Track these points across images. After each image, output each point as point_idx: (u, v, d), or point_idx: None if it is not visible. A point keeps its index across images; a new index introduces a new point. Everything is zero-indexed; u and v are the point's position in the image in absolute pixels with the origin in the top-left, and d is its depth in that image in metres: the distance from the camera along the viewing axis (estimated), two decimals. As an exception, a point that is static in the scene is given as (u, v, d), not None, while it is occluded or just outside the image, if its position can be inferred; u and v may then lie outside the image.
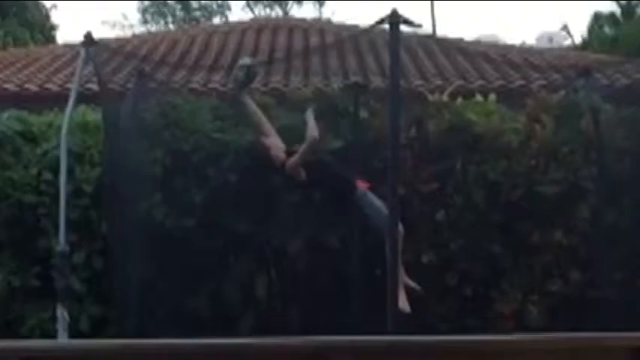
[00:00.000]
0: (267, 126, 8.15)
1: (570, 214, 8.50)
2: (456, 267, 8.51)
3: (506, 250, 8.49)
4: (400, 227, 7.36)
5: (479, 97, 9.16)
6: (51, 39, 29.06)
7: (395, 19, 7.05)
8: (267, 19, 19.62)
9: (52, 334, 7.36)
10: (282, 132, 8.32)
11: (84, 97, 8.49)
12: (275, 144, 7.99)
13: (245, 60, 8.30)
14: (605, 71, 12.48)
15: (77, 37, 8.49)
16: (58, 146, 7.77)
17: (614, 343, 2.77)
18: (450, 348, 2.78)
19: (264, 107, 8.67)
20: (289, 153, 7.86)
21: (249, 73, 8.19)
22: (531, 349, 2.76)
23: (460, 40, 18.09)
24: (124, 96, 8.75)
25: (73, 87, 7.72)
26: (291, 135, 8.37)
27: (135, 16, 49.70)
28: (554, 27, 34.58)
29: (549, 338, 2.92)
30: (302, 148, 7.75)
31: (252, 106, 8.18)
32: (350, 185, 7.81)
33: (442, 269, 8.50)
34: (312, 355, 2.68)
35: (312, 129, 7.73)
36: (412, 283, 7.64)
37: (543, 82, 13.20)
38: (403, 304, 7.30)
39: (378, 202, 7.70)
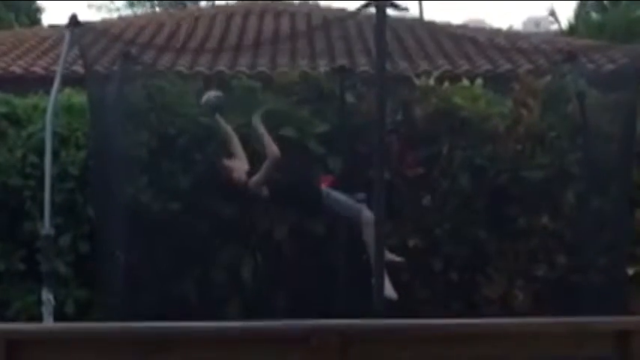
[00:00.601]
0: (237, 147, 8.08)
1: (556, 199, 8.53)
2: (441, 251, 8.53)
3: (491, 234, 8.51)
4: (369, 214, 7.40)
5: (465, 82, 9.16)
6: (36, 22, 28.87)
7: (382, 2, 7.01)
8: (254, 2, 19.49)
9: (38, 318, 7.34)
10: (268, 116, 8.30)
11: (69, 80, 8.43)
12: (237, 166, 7.94)
13: (210, 95, 8.19)
14: (591, 56, 12.50)
15: (63, 20, 8.43)
16: (43, 129, 7.72)
17: (599, 327, 2.77)
18: (436, 331, 2.78)
19: (250, 91, 8.64)
20: (252, 174, 7.85)
21: (217, 104, 8.12)
22: (517, 333, 2.76)
23: (447, 25, 18.07)
24: (110, 79, 8.70)
25: (58, 69, 7.66)
26: (277, 119, 8.37)
27: (121, -1, 49.40)
28: (541, 12, 34.63)
29: (535, 322, 2.92)
30: (264, 166, 7.73)
31: (224, 127, 8.09)
32: (313, 189, 7.82)
33: (428, 254, 8.52)
34: (298, 339, 2.68)
35: (271, 145, 7.71)
36: (396, 258, 7.64)
37: (530, 66, 13.20)
38: (389, 292, 7.29)
39: (342, 197, 7.75)
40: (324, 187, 7.83)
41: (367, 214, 7.52)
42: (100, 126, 8.16)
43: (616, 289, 7.81)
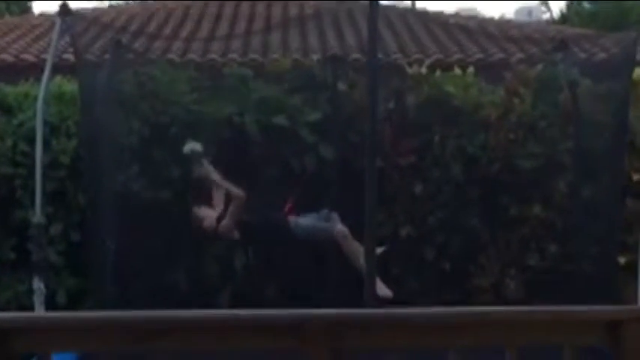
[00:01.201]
0: (218, 192, 7.96)
1: (548, 188, 8.53)
2: (434, 241, 8.53)
3: (484, 223, 8.51)
4: (341, 227, 7.45)
5: (457, 71, 9.15)
6: (27, 10, 28.74)
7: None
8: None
9: (29, 307, 7.32)
10: (260, 104, 8.28)
11: (60, 68, 8.41)
12: (207, 214, 7.89)
13: (192, 145, 8.07)
14: (583, 45, 12.49)
15: (53, 8, 8.39)
16: (34, 117, 7.69)
17: (590, 316, 2.77)
18: (427, 320, 2.77)
19: (242, 79, 8.62)
20: (221, 218, 7.83)
21: (200, 152, 8.00)
22: (507, 322, 2.75)
23: (439, 13, 18.05)
24: (101, 67, 8.67)
25: (49, 57, 7.63)
26: (269, 107, 8.35)
27: (112, -13, 49.16)
28: (533, 1, 34.57)
29: (525, 311, 2.92)
30: (229, 211, 7.72)
31: (210, 172, 7.92)
32: (281, 225, 7.82)
33: (420, 243, 8.52)
34: (288, 328, 2.67)
35: (232, 189, 7.70)
36: (388, 292, 7.60)
37: (522, 55, 13.18)
38: (383, 291, 7.28)
39: (309, 222, 7.79)
40: (291, 218, 7.82)
41: (340, 228, 7.60)
42: (91, 114, 8.12)
43: (607, 278, 7.83)
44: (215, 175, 7.79)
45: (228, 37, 14.47)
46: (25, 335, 2.73)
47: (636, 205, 8.41)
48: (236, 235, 7.88)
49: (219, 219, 7.79)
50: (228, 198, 7.76)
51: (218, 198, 7.90)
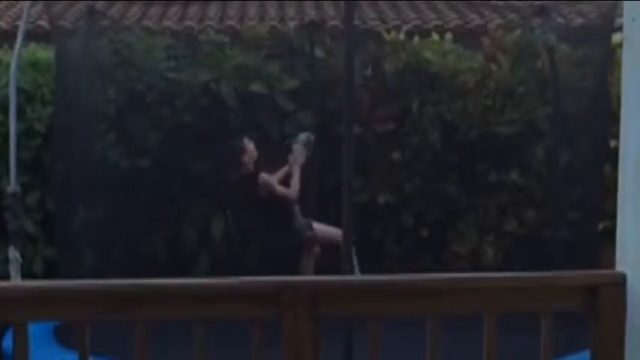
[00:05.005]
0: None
1: (526, 155, 8.55)
2: (412, 208, 8.54)
3: (462, 190, 8.53)
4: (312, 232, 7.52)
5: (435, 37, 9.12)
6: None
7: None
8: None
9: (5, 276, 7.28)
10: (237, 71, 8.23)
11: (35, 35, 8.31)
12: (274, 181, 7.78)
13: (305, 136, 7.93)
14: (562, 11, 12.47)
15: (27, -27, 8.25)
16: (7, 85, 7.59)
17: (569, 282, 2.77)
18: (405, 287, 2.76)
19: (218, 46, 8.56)
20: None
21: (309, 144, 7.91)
22: (484, 288, 2.75)
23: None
24: (75, 34, 8.58)
25: (22, 24, 7.52)
26: (247, 74, 8.31)
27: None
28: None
29: (502, 277, 2.92)
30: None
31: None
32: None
33: (398, 210, 8.53)
34: (268, 295, 2.66)
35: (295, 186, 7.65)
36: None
37: (500, 21, 13.15)
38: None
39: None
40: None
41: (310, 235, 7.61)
42: (66, 82, 8.05)
43: (586, 245, 7.86)
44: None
45: (204, 3, 14.35)
46: (0, 304, 2.71)
47: (614, 172, 8.43)
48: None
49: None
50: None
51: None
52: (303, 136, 7.82)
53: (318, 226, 7.70)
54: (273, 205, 7.63)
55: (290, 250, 7.73)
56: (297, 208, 7.72)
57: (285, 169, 7.80)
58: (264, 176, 7.61)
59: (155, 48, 8.62)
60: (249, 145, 7.74)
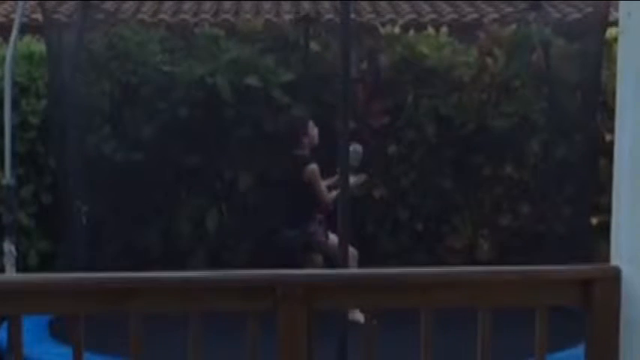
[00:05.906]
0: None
1: (521, 149, 8.55)
2: (407, 202, 8.54)
3: (457, 184, 8.53)
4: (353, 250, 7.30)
5: (431, 31, 9.11)
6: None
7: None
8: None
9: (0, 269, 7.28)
10: (232, 65, 8.21)
11: (30, 28, 8.29)
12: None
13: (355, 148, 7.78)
14: (557, 5, 12.47)
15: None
16: (2, 78, 7.58)
17: (563, 276, 2.77)
18: (400, 281, 2.76)
19: (213, 40, 8.55)
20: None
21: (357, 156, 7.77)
22: (478, 282, 2.75)
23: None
24: (70, 27, 8.56)
25: (17, 17, 7.50)
26: (242, 68, 8.29)
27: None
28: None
29: (496, 271, 2.92)
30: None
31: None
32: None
33: (393, 204, 8.53)
34: (262, 289, 2.65)
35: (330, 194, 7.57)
36: (361, 318, 7.32)
37: (496, 15, 13.14)
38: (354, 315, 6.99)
39: None
40: None
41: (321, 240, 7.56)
42: (61, 75, 8.04)
43: (580, 239, 7.87)
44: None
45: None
46: (-5, 298, 2.70)
47: (608, 166, 8.44)
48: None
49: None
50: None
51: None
52: (352, 150, 7.67)
53: (334, 239, 7.54)
54: (306, 198, 7.60)
55: (293, 247, 7.71)
56: (322, 216, 7.66)
57: (335, 178, 7.68)
58: (314, 168, 7.57)
59: (150, 41, 8.61)
60: (314, 130, 7.70)
